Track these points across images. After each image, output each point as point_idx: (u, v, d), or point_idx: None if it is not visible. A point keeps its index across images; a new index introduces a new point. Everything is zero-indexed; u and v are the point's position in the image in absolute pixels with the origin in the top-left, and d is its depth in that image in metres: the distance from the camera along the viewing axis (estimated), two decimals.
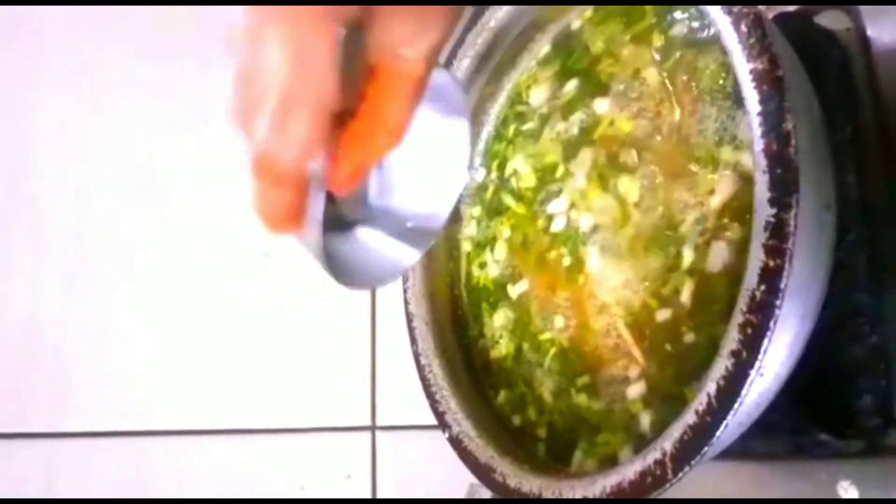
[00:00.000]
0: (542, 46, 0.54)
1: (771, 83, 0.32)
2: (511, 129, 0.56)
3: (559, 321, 0.48)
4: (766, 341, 0.31)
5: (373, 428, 0.56)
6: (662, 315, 0.40)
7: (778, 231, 0.31)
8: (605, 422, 0.44)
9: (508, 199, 0.55)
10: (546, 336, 0.49)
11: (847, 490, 0.40)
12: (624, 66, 0.45)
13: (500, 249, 0.55)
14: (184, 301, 0.52)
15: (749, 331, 0.32)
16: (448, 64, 0.55)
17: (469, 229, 0.58)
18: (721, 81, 0.39)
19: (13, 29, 0.50)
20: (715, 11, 0.35)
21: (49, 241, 0.48)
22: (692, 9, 0.42)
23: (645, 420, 0.41)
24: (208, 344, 0.52)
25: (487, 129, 0.58)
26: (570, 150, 0.50)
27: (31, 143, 0.49)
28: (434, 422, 0.50)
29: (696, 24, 0.42)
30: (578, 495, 0.39)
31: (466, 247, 0.58)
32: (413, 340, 0.53)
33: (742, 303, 0.32)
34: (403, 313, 0.55)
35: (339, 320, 0.57)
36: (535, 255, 0.52)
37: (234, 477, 0.51)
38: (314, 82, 0.26)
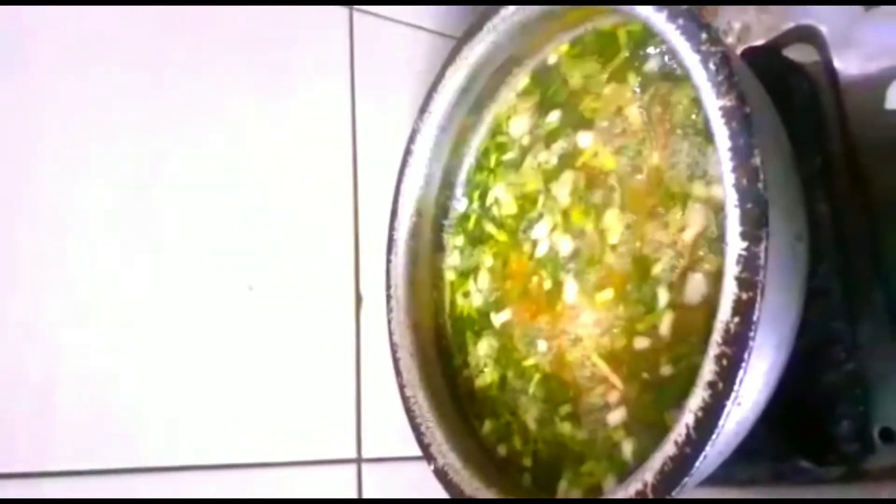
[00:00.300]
0: (521, 80, 0.55)
1: (739, 120, 0.33)
2: (492, 158, 0.57)
3: (542, 345, 0.49)
4: (741, 372, 0.32)
5: (359, 460, 0.56)
6: (641, 343, 0.41)
7: (750, 264, 0.32)
8: (589, 451, 0.44)
9: (490, 227, 0.55)
10: (530, 362, 0.50)
11: None
12: (607, 103, 0.46)
13: (483, 278, 0.55)
14: (166, 334, 0.51)
15: (724, 362, 0.32)
16: (428, 98, 0.56)
17: (452, 259, 0.58)
18: (693, 117, 0.40)
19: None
20: (684, 50, 0.36)
21: (33, 271, 0.48)
22: (663, 45, 0.43)
23: (627, 448, 0.42)
24: (191, 378, 0.52)
25: (469, 161, 0.58)
26: (552, 175, 0.51)
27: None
28: (420, 453, 0.50)
29: (668, 59, 0.43)
30: None
31: (450, 276, 0.58)
32: (398, 372, 0.54)
33: (717, 335, 0.33)
34: (388, 344, 0.55)
35: (323, 352, 0.57)
36: (518, 281, 0.52)
37: None
38: None
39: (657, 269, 0.40)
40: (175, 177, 0.54)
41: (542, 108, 0.53)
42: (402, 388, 0.53)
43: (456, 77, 0.54)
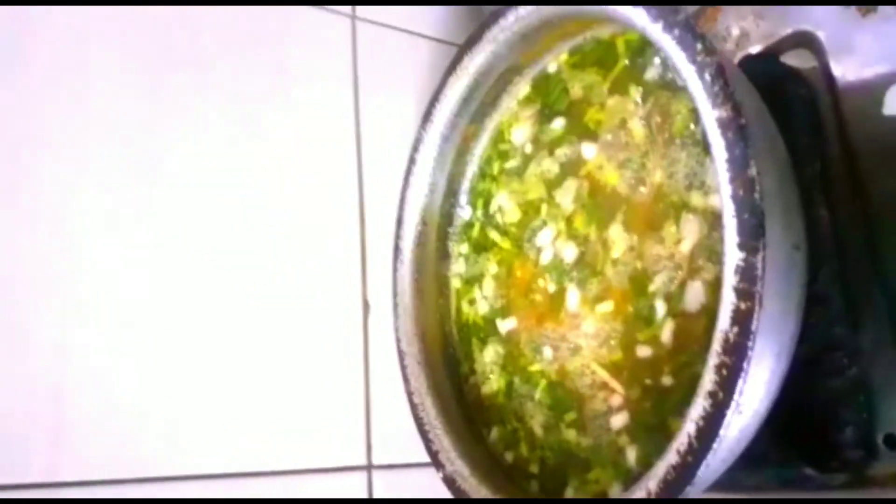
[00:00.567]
0: (522, 88, 0.55)
1: (735, 130, 0.33)
2: (495, 166, 0.57)
3: (548, 352, 0.49)
4: (741, 381, 0.32)
5: (369, 467, 0.57)
6: (643, 352, 0.41)
7: (747, 274, 0.32)
8: (595, 457, 0.45)
9: (494, 235, 0.56)
10: (536, 367, 0.50)
11: None
12: (610, 115, 0.47)
13: (488, 285, 0.56)
14: (175, 344, 0.52)
15: (724, 372, 0.33)
16: (430, 107, 0.56)
17: (457, 266, 0.59)
18: (692, 127, 0.41)
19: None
20: (680, 61, 0.36)
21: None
22: (661, 53, 0.43)
23: (631, 455, 0.42)
24: (200, 386, 0.52)
25: (472, 169, 0.59)
26: (555, 183, 0.51)
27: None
28: (429, 460, 0.51)
29: (666, 69, 0.43)
30: None
31: (456, 284, 0.59)
32: (405, 379, 0.54)
33: (716, 344, 0.33)
34: (395, 352, 0.56)
35: (332, 360, 0.58)
36: (523, 288, 0.53)
37: None
38: None
39: (655, 285, 0.41)
40: (178, 182, 0.55)
41: (544, 116, 0.53)
42: (409, 395, 0.54)
43: (457, 86, 0.55)
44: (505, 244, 0.55)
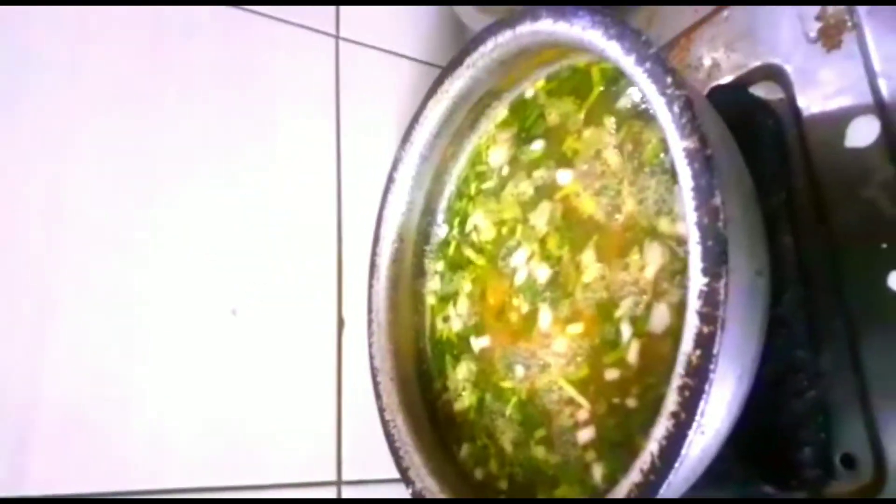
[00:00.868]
0: (500, 112, 0.56)
1: (701, 161, 0.34)
2: (472, 186, 0.58)
3: (520, 370, 0.50)
4: (702, 402, 0.33)
5: (338, 483, 0.57)
6: (610, 375, 0.42)
7: (710, 299, 0.33)
8: (562, 474, 0.45)
9: (470, 253, 0.57)
10: (507, 384, 0.51)
11: None
12: (587, 146, 0.48)
13: (463, 303, 0.57)
14: (149, 356, 0.52)
15: (687, 393, 0.34)
16: (410, 128, 0.57)
17: (433, 283, 0.60)
18: (661, 156, 0.42)
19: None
20: (650, 92, 0.37)
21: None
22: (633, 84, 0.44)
23: (597, 472, 0.43)
24: (172, 401, 0.52)
25: (450, 188, 0.60)
26: (530, 205, 0.52)
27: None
28: (399, 476, 0.51)
29: (639, 99, 0.45)
30: None
31: (431, 301, 0.60)
32: (377, 395, 0.55)
33: (680, 366, 0.34)
34: (368, 368, 0.56)
35: (305, 376, 0.58)
36: (497, 307, 0.54)
37: None
38: None
39: (621, 311, 0.42)
40: (158, 201, 0.55)
41: (521, 139, 0.55)
42: (381, 411, 0.54)
43: (437, 109, 0.56)
44: (480, 261, 0.56)
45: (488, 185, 0.57)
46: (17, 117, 0.51)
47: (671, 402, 0.34)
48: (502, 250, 0.54)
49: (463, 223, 0.58)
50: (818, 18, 0.45)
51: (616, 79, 0.47)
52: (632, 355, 0.41)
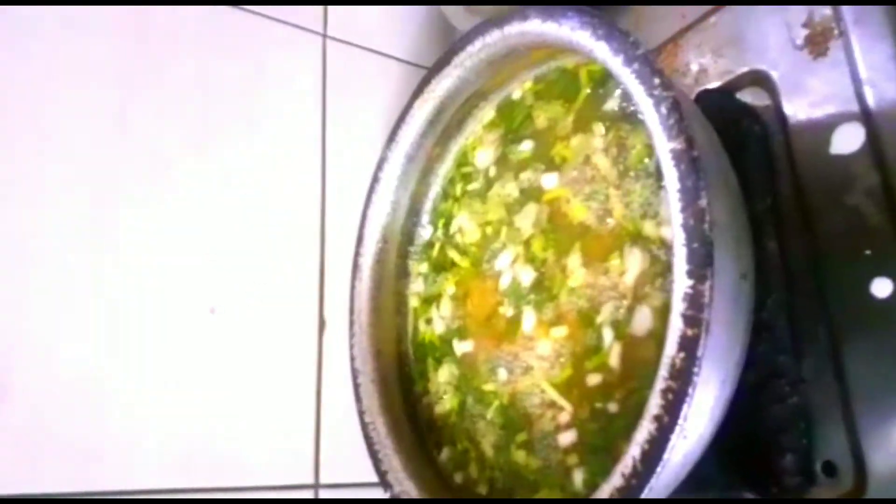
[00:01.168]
0: (487, 113, 0.56)
1: (688, 162, 0.34)
2: (458, 188, 0.58)
3: (503, 374, 0.49)
4: (686, 406, 0.33)
5: (316, 486, 0.56)
6: (593, 380, 0.42)
7: (695, 302, 0.33)
8: (543, 479, 0.45)
9: (454, 255, 0.56)
10: (490, 387, 0.50)
11: None
12: (575, 154, 0.47)
13: (446, 306, 0.56)
14: (123, 356, 0.51)
15: (670, 396, 0.33)
16: (396, 128, 0.57)
17: (416, 285, 0.59)
18: (646, 161, 0.42)
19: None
20: (638, 94, 0.37)
21: None
22: (622, 86, 0.44)
23: (578, 477, 0.42)
24: (148, 400, 0.51)
25: (435, 189, 0.60)
26: (515, 207, 0.52)
27: None
28: (377, 480, 0.51)
29: (625, 102, 0.45)
30: None
31: (414, 303, 0.59)
32: (358, 398, 0.54)
33: (663, 369, 0.34)
34: (349, 370, 0.55)
35: (284, 377, 0.57)
36: (481, 310, 0.53)
37: None
38: None
39: (602, 316, 0.42)
40: (137, 197, 0.54)
41: (507, 140, 0.54)
42: (361, 414, 0.53)
43: (424, 109, 0.55)
44: (464, 263, 0.55)
45: (474, 186, 0.57)
46: None
47: (654, 405, 0.34)
48: (487, 253, 0.53)
49: (448, 224, 0.58)
50: (805, 25, 0.45)
51: (604, 81, 0.46)
52: (614, 359, 0.41)
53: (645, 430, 0.34)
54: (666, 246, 0.39)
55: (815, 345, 0.42)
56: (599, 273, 0.43)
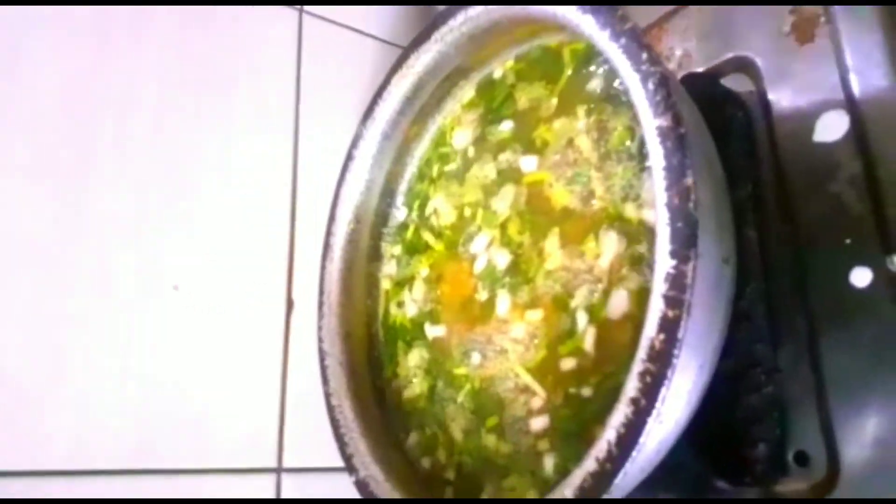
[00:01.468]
0: (467, 92, 0.55)
1: (674, 140, 0.33)
2: (434, 168, 0.57)
3: (476, 357, 0.48)
4: (664, 389, 0.32)
5: (278, 470, 0.54)
6: (567, 364, 0.41)
7: (677, 282, 0.32)
8: (513, 465, 0.44)
9: (428, 237, 0.55)
10: (461, 371, 0.49)
11: None
12: (557, 137, 0.46)
13: (418, 289, 0.55)
14: (80, 330, 0.49)
15: (648, 379, 0.32)
16: (373, 104, 0.55)
17: (389, 268, 0.58)
18: (627, 143, 0.41)
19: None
20: (624, 69, 0.36)
21: None
22: (606, 65, 0.43)
23: (549, 463, 0.41)
24: (108, 378, 0.49)
25: (411, 170, 0.58)
26: (492, 188, 0.51)
27: None
28: (342, 464, 0.49)
29: (610, 81, 0.44)
30: None
31: (385, 285, 0.58)
32: (325, 380, 0.52)
33: (642, 351, 0.33)
34: (317, 351, 0.54)
35: (249, 358, 0.55)
36: (455, 293, 0.52)
37: None
38: None
39: (576, 301, 0.41)
40: (100, 172, 0.52)
41: (487, 121, 0.53)
42: (328, 396, 0.52)
43: (402, 85, 0.54)
44: (438, 247, 0.54)
45: (451, 167, 0.55)
46: None
47: (631, 387, 0.33)
48: (462, 236, 0.52)
49: (423, 206, 0.56)
50: (792, 12, 0.45)
51: (587, 60, 0.45)
52: (588, 344, 0.40)
53: (621, 413, 0.33)
54: (646, 228, 0.38)
55: (793, 334, 0.41)
56: (575, 256, 0.42)
